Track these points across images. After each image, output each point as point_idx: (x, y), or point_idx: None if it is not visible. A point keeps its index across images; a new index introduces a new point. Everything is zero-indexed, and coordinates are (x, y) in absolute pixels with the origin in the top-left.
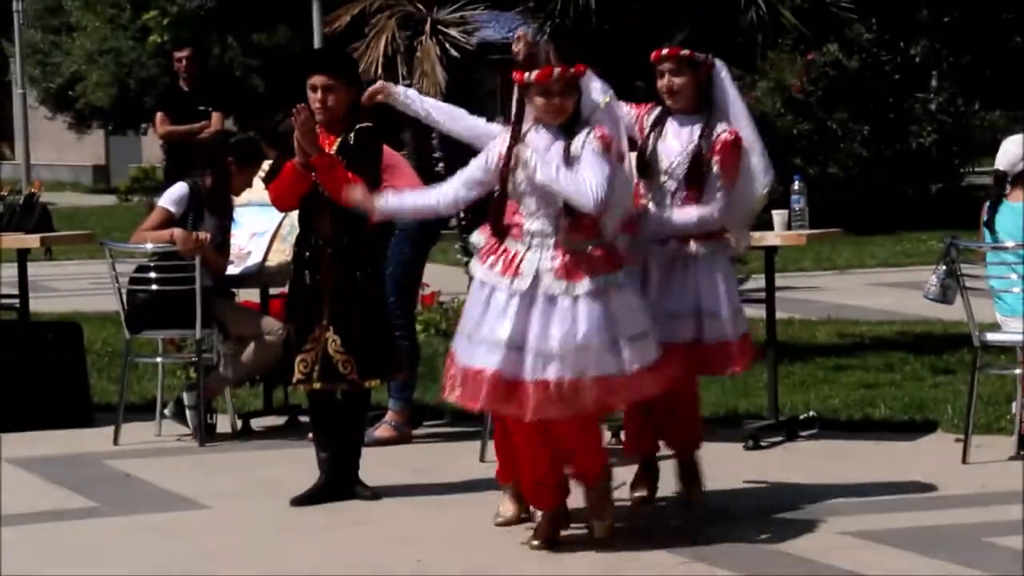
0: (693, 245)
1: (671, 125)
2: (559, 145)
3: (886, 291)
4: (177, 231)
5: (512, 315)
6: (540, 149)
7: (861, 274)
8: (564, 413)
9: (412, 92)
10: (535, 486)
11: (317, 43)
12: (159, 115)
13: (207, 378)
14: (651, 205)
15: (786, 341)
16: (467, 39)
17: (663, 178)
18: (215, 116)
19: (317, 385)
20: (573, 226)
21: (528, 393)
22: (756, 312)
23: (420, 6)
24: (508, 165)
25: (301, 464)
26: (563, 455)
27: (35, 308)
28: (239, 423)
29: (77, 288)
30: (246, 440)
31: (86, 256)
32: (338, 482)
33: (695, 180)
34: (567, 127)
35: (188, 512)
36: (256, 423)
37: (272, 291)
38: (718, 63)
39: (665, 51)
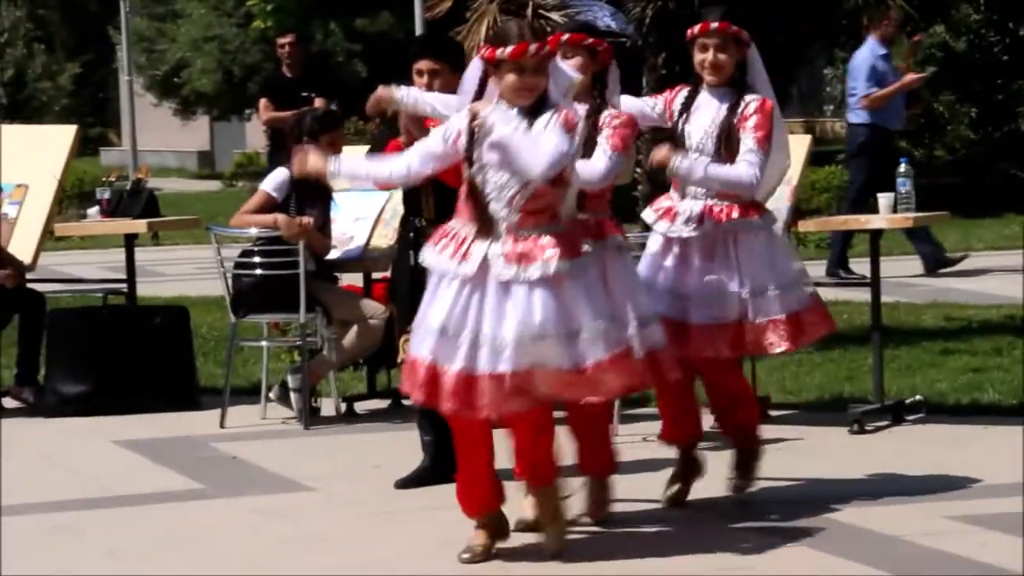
0: (730, 224)
1: (702, 100)
2: (522, 125)
3: (993, 274)
4: (281, 216)
5: (453, 300)
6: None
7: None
8: (521, 407)
9: (413, 91)
10: (469, 487)
11: (419, 28)
12: (262, 101)
13: (311, 362)
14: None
15: (892, 325)
16: (567, 23)
17: (695, 154)
18: (318, 101)
19: None
20: (528, 210)
21: (483, 388)
22: (861, 296)
23: None
24: (472, 140)
25: (405, 447)
26: (515, 452)
27: (142, 292)
28: (343, 406)
29: (183, 273)
30: (350, 423)
31: (192, 241)
32: (441, 464)
33: (728, 150)
34: (532, 109)
35: (293, 494)
36: (360, 406)
37: (375, 275)
38: (753, 45)
39: (714, 25)
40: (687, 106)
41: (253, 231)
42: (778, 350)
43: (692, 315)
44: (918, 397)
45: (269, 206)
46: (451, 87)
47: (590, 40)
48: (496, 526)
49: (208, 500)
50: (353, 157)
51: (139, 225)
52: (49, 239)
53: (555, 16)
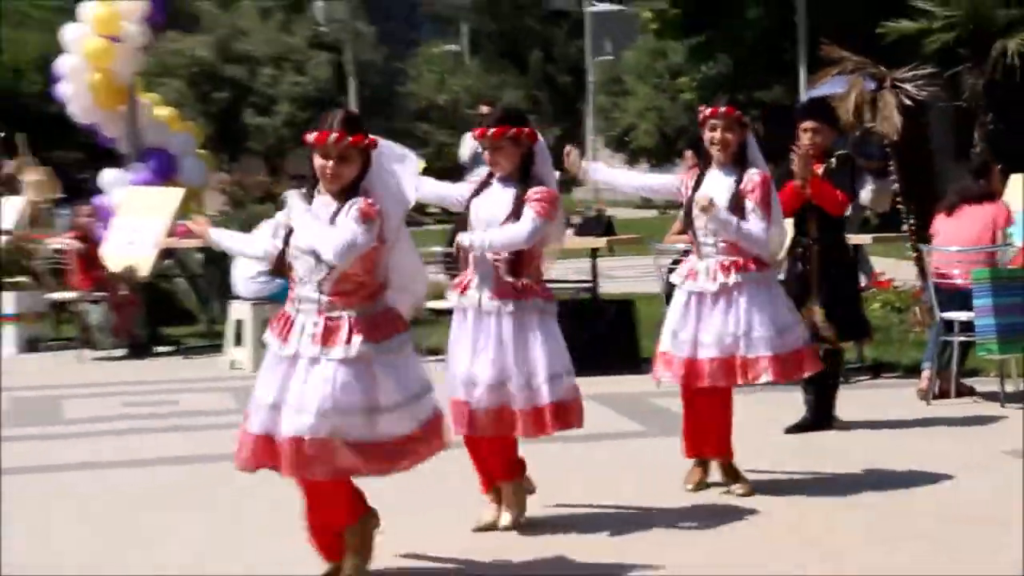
0: (733, 277)
1: (711, 176)
2: (328, 211)
3: None
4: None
5: (274, 376)
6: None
7: None
8: (316, 474)
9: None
10: (324, 535)
11: (803, 97)
12: (687, 153)
13: None
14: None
15: None
16: (918, 92)
17: (702, 222)
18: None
19: None
20: (336, 292)
21: (284, 450)
22: None
23: (882, 68)
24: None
25: (786, 405)
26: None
27: (602, 290)
28: None
29: (631, 275)
30: (744, 386)
31: (637, 253)
32: (818, 417)
33: (736, 215)
34: (340, 195)
35: None
36: None
37: None
38: (752, 129)
39: (722, 109)
40: (698, 182)
41: (680, 246)
42: (764, 380)
43: (700, 353)
44: None
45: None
46: (828, 142)
47: (513, 131)
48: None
49: (649, 439)
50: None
51: (600, 242)
52: None
53: (908, 87)
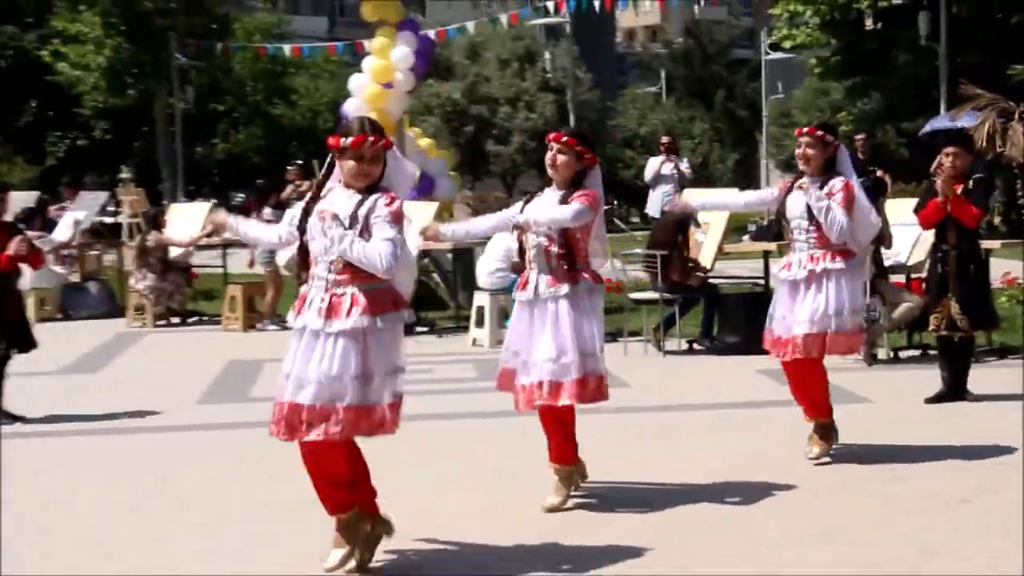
0: (822, 264)
1: (803, 184)
2: (352, 203)
3: None
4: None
5: (293, 352)
6: (339, 206)
7: None
8: (317, 438)
9: (455, 227)
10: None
11: (928, 128)
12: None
13: (874, 326)
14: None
15: None
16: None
17: (796, 223)
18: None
19: (944, 332)
20: (343, 271)
21: (284, 414)
22: None
23: (1011, 103)
24: (305, 219)
25: (928, 380)
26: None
27: (773, 284)
28: (891, 354)
29: None
30: (893, 364)
31: None
32: (954, 391)
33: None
34: (366, 190)
35: (856, 404)
36: (902, 354)
37: (912, 275)
38: (841, 147)
39: (806, 130)
40: (789, 190)
41: None
42: (839, 352)
43: (796, 329)
44: None
45: None
46: (966, 165)
47: (579, 146)
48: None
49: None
50: (248, 222)
51: (771, 245)
52: (721, 254)
53: None
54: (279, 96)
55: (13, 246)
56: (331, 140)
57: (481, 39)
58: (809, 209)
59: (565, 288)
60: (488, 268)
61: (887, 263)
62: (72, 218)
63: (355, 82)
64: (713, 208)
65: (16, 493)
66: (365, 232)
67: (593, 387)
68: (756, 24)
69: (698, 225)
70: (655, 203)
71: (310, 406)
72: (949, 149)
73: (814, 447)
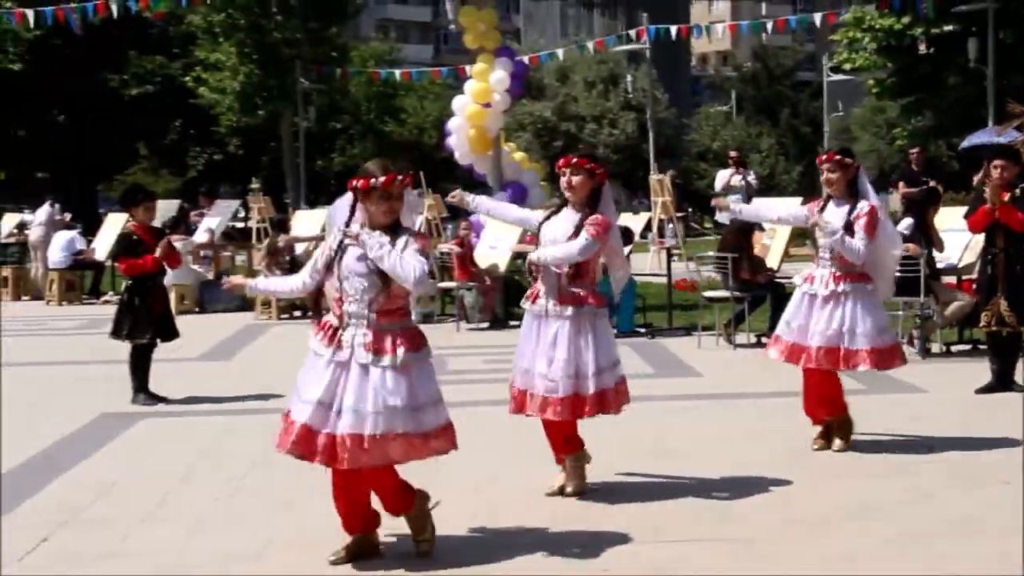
0: (842, 286)
1: (831, 206)
2: (384, 239)
3: None
4: (911, 246)
5: (327, 379)
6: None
7: None
8: (373, 463)
9: (481, 199)
10: (348, 511)
11: (966, 143)
12: (900, 184)
13: (927, 322)
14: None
15: None
16: None
17: (823, 241)
18: (933, 182)
19: (993, 328)
20: (381, 311)
21: (344, 445)
22: None
23: None
24: (337, 254)
25: (978, 372)
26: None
27: None
28: (944, 348)
29: None
30: (946, 357)
31: None
32: (1002, 382)
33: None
34: (390, 229)
35: (912, 394)
36: (954, 349)
37: (964, 277)
38: (860, 168)
39: (824, 156)
40: (822, 208)
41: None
42: (862, 369)
43: (810, 340)
44: None
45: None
46: (1012, 175)
47: (590, 164)
48: (363, 544)
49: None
50: (268, 281)
51: None
52: (787, 256)
53: None
54: (390, 115)
55: (159, 249)
56: (360, 183)
57: (570, 63)
58: (844, 227)
59: (570, 310)
60: None
61: (940, 266)
62: (208, 224)
63: (457, 102)
64: (747, 217)
65: (158, 464)
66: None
67: (592, 402)
68: (818, 49)
69: (763, 230)
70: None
71: (370, 436)
72: (997, 161)
73: (837, 440)
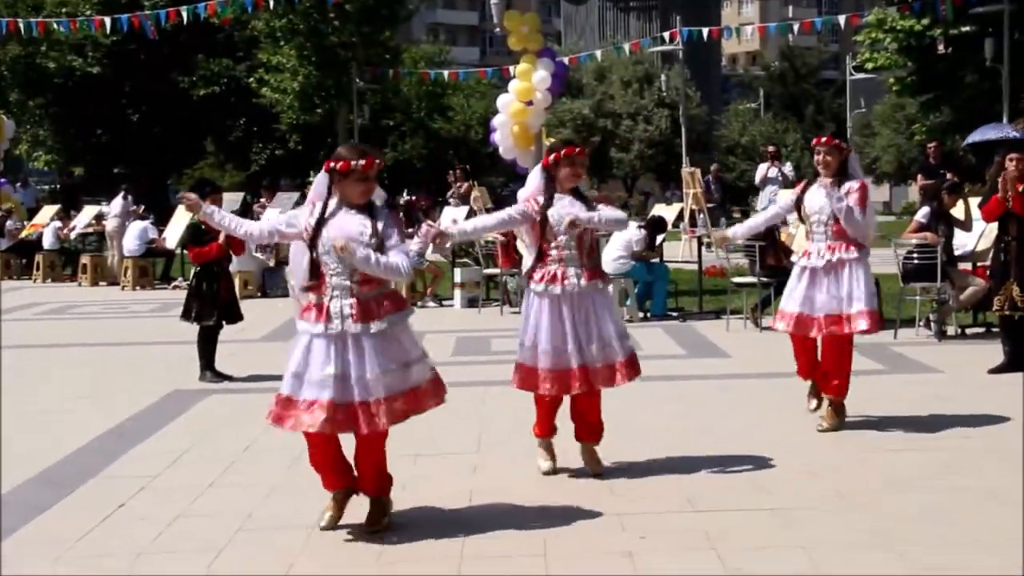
0: (837, 254)
1: (817, 187)
2: (365, 222)
3: None
4: (929, 235)
5: (333, 355)
6: (351, 228)
7: None
8: (384, 425)
9: (466, 225)
10: (326, 472)
11: (971, 139)
12: (920, 176)
13: (943, 306)
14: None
15: None
16: None
17: (815, 217)
18: (950, 175)
19: (1006, 312)
20: (363, 280)
21: (357, 412)
22: None
23: None
24: (317, 235)
25: (991, 354)
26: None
27: None
28: (959, 331)
29: (875, 261)
30: (960, 339)
31: (880, 246)
32: (1013, 362)
33: (836, 216)
34: (365, 207)
35: (928, 374)
36: (969, 331)
37: (978, 263)
38: (852, 151)
39: (823, 140)
40: (805, 189)
41: (913, 241)
42: (860, 328)
43: (816, 310)
44: None
45: (920, 228)
46: None
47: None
48: (345, 497)
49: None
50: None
51: None
52: None
53: None
54: (438, 112)
55: (222, 236)
56: (340, 165)
57: (607, 64)
58: (827, 204)
59: (599, 283)
60: (611, 256)
61: (956, 253)
62: (269, 215)
63: (502, 101)
64: (745, 235)
65: (224, 436)
66: (377, 238)
67: (633, 365)
68: (842, 49)
69: (786, 224)
70: (763, 201)
71: (376, 400)
72: (1013, 155)
73: (829, 420)
